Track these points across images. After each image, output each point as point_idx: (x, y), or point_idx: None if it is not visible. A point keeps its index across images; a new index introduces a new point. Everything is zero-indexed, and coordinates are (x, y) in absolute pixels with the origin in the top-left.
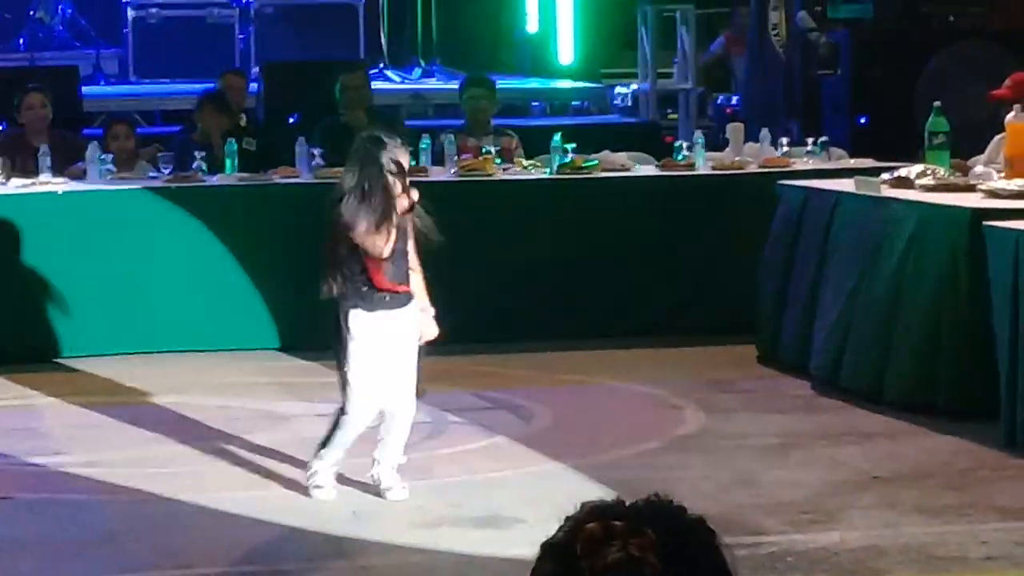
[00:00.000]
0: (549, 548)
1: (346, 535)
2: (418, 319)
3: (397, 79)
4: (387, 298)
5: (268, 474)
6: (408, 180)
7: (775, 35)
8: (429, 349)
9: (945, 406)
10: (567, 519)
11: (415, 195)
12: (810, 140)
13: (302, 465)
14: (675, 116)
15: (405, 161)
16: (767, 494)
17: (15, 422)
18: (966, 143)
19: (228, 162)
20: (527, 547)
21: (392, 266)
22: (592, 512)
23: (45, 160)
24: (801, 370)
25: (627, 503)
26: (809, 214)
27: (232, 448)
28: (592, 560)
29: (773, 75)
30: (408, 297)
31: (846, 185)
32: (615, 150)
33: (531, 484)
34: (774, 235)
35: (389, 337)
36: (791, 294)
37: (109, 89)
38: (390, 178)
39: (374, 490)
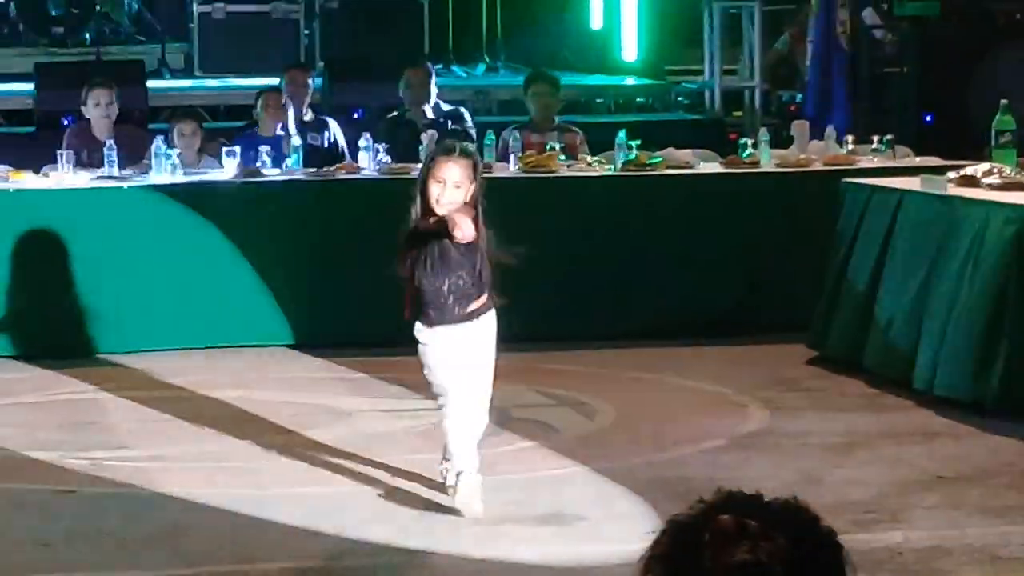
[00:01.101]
0: (675, 526)
1: (409, 531)
2: (490, 334)
3: (462, 75)
4: (433, 314)
5: (331, 470)
6: (475, 213)
7: (841, 32)
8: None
9: (1000, 405)
10: (699, 500)
11: (468, 229)
12: (876, 138)
13: (365, 461)
14: (740, 113)
15: (450, 174)
16: (831, 493)
17: (79, 416)
18: None
19: (293, 157)
20: (590, 544)
21: (427, 299)
22: (727, 502)
23: (111, 154)
24: (856, 368)
25: (764, 499)
26: (872, 212)
27: (294, 444)
28: (718, 554)
29: (839, 72)
30: (474, 314)
31: (912, 183)
32: (680, 147)
33: (594, 482)
34: (840, 233)
35: (449, 350)
36: (849, 292)
37: (174, 84)
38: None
39: (437, 486)
